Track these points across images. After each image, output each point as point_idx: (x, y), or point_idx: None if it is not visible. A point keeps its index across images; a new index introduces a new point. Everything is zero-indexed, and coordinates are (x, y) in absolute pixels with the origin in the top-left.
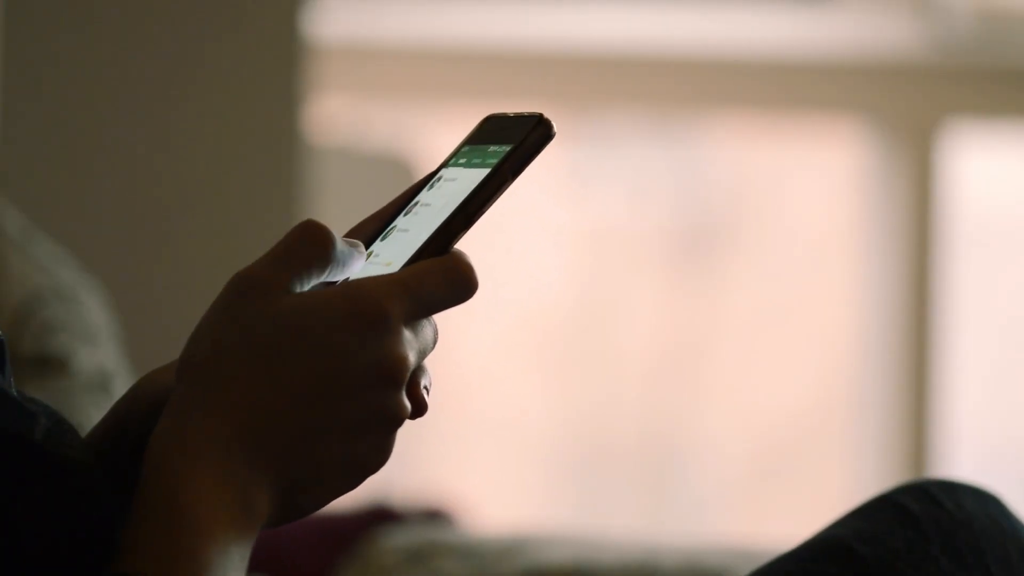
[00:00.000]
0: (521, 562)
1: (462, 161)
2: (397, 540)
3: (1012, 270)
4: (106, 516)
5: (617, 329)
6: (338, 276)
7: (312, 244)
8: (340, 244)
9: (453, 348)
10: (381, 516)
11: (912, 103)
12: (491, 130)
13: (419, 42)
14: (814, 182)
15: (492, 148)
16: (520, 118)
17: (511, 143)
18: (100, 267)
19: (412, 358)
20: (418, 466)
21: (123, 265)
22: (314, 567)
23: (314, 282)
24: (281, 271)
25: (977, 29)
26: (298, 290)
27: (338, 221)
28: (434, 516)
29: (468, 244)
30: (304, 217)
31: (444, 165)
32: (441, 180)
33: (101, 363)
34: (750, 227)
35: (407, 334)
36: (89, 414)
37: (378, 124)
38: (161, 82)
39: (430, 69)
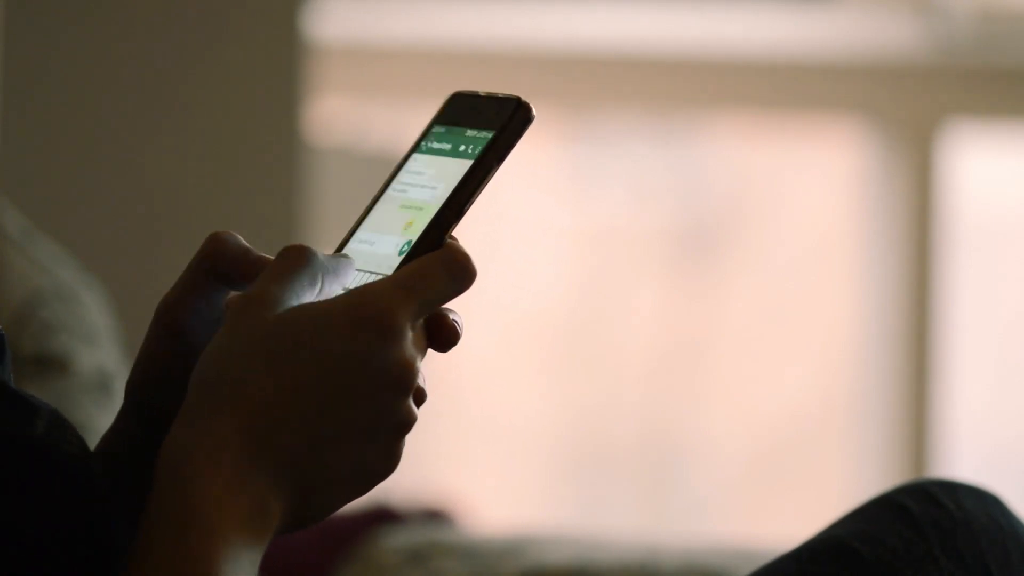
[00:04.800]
0: (521, 562)
1: (437, 145)
2: (397, 540)
3: (1012, 270)
4: (106, 512)
5: (617, 329)
6: (332, 286)
7: (293, 258)
8: (323, 255)
9: (453, 348)
10: (381, 516)
11: (912, 103)
12: (463, 110)
13: (419, 42)
14: (814, 182)
15: (470, 132)
16: (495, 100)
17: (491, 128)
18: (100, 267)
19: (419, 363)
20: (418, 466)
21: (123, 265)
22: (314, 567)
23: (307, 294)
24: (271, 284)
25: (977, 29)
26: (293, 302)
27: (338, 221)
28: (434, 516)
29: (469, 244)
30: (304, 217)
31: (416, 146)
32: (418, 163)
33: (101, 363)
34: (750, 227)
35: (412, 337)
36: (89, 414)
37: (378, 124)
38: (161, 82)
39: (430, 69)
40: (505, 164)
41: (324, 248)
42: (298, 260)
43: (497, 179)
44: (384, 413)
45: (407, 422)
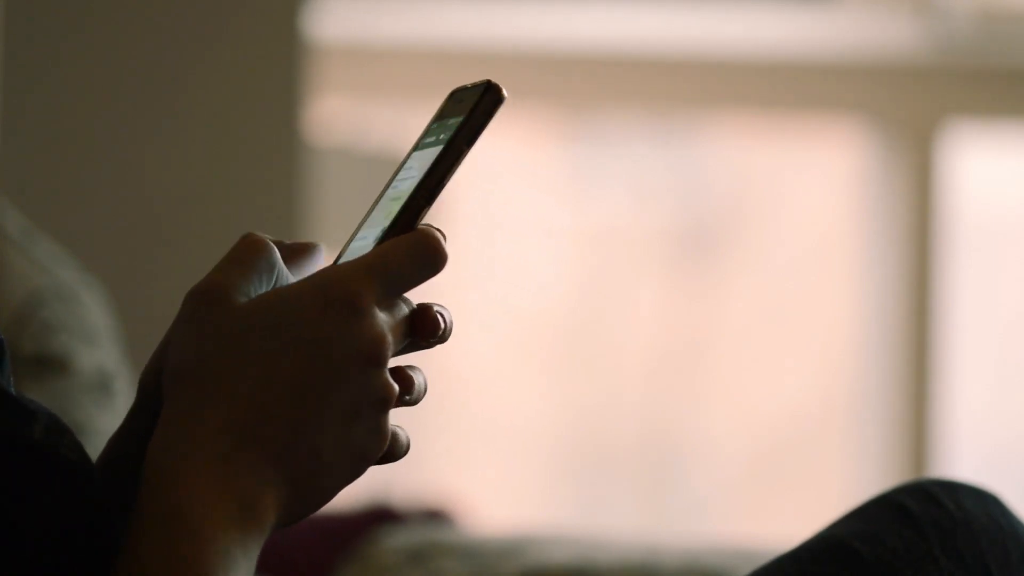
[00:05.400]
0: (521, 562)
1: (428, 139)
2: (397, 540)
3: (1012, 270)
4: (103, 516)
5: (617, 329)
6: (296, 276)
7: (252, 250)
8: (278, 249)
9: (453, 348)
10: (381, 516)
11: (912, 103)
12: (452, 104)
13: (419, 42)
14: (814, 182)
15: (451, 121)
16: (473, 87)
17: (464, 114)
18: (100, 267)
19: (390, 337)
20: (418, 466)
21: (123, 265)
22: (314, 567)
23: (265, 281)
24: (231, 274)
25: (977, 29)
26: (253, 292)
27: (338, 221)
28: (434, 516)
29: (470, 244)
30: (304, 217)
31: (416, 146)
32: (412, 159)
33: (101, 363)
34: (750, 227)
35: (381, 315)
36: (89, 414)
37: (378, 124)
38: (161, 82)
39: (430, 69)
40: (505, 164)
41: (330, 249)
42: (255, 249)
43: (497, 179)
44: (361, 390)
45: (386, 397)
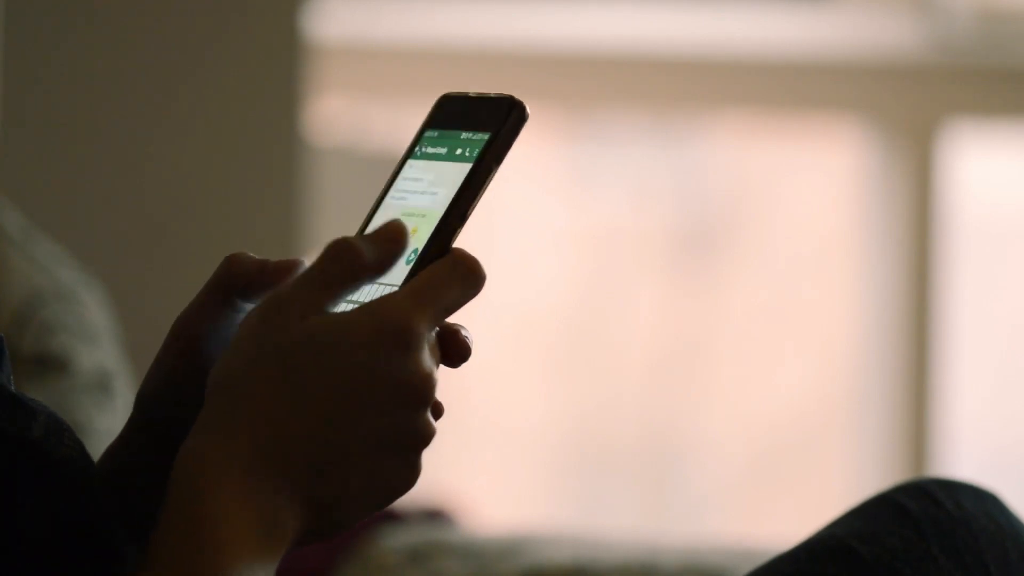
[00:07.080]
0: (521, 562)
1: (432, 150)
2: (397, 540)
3: (1012, 270)
4: (104, 514)
5: (618, 329)
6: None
7: (345, 261)
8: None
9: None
10: (381, 516)
11: (912, 103)
12: (455, 113)
13: (419, 42)
14: (814, 182)
15: (465, 135)
16: (487, 101)
17: (486, 130)
18: (100, 267)
19: (436, 375)
20: None
21: (123, 265)
22: (314, 567)
23: (341, 305)
24: (316, 291)
25: (977, 29)
26: (334, 308)
27: (338, 221)
28: (434, 516)
29: (469, 245)
30: (304, 217)
31: (411, 152)
32: (415, 170)
33: (101, 363)
34: (750, 227)
35: (428, 349)
36: (89, 414)
37: (378, 124)
38: (161, 82)
39: (430, 69)
40: (506, 163)
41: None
42: (348, 273)
43: (497, 179)
44: (403, 426)
45: (426, 436)
